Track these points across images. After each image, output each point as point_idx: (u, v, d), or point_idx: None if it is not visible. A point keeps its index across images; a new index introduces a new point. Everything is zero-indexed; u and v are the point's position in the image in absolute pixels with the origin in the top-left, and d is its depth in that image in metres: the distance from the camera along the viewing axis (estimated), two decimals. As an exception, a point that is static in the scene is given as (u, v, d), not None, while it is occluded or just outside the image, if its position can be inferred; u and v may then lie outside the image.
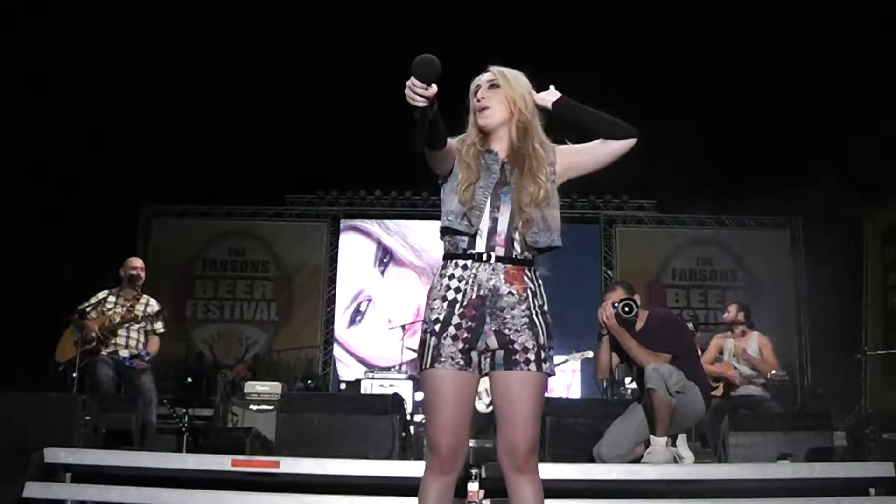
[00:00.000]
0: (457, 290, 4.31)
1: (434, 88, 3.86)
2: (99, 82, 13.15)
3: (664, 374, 7.35)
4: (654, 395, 7.32)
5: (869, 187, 14.10)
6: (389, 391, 11.58)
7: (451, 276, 4.34)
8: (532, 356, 4.28)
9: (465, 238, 4.38)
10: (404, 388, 12.65)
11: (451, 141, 4.44)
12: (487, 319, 4.28)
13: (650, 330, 7.85)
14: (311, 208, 18.31)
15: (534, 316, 4.35)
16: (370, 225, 18.17)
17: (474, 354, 4.30)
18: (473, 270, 4.32)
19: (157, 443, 9.74)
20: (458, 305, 4.28)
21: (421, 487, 4.28)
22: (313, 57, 13.44)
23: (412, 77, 3.83)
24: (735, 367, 10.45)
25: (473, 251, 4.35)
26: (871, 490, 6.52)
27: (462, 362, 4.25)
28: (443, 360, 4.23)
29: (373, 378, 13.46)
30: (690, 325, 9.59)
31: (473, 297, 4.28)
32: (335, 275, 18.03)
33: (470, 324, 4.26)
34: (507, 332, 4.28)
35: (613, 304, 7.70)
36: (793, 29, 12.54)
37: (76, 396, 8.10)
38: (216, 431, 11.52)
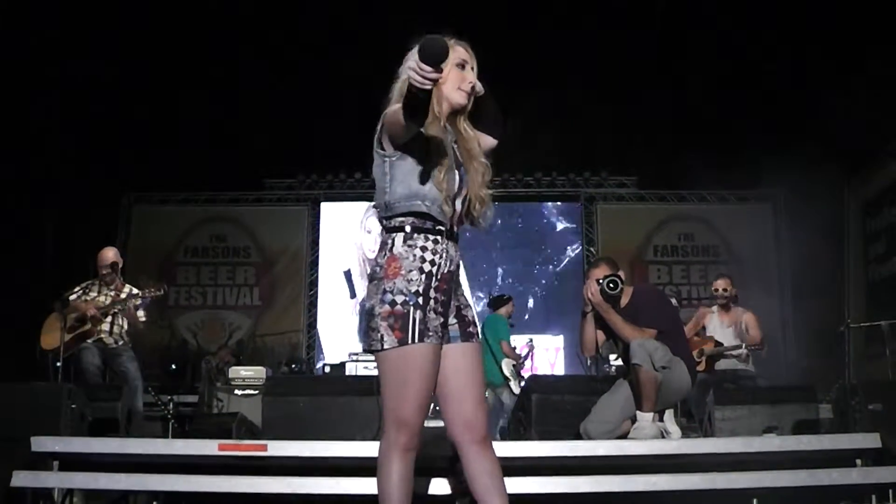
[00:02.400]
0: (432, 262, 4.20)
1: (443, 71, 3.78)
2: (77, 72, 13.09)
3: (650, 350, 7.35)
4: (639, 371, 7.33)
5: (849, 160, 14.15)
6: (374, 373, 11.59)
7: (424, 248, 4.21)
8: (477, 328, 4.38)
9: (434, 220, 4.26)
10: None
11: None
12: (452, 295, 4.30)
13: (635, 306, 7.85)
14: (292, 192, 18.31)
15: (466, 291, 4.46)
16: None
17: (446, 331, 4.26)
18: (444, 245, 4.26)
19: (143, 430, 9.73)
20: (433, 279, 4.19)
21: (384, 466, 4.19)
22: (291, 41, 13.42)
23: (420, 62, 3.68)
24: (715, 340, 10.46)
25: (442, 229, 4.26)
26: (858, 461, 6.55)
27: (441, 335, 4.19)
28: (430, 334, 4.10)
29: (357, 360, 13.45)
30: (674, 301, 9.61)
31: (445, 271, 4.25)
32: (317, 258, 18.05)
33: (443, 298, 4.21)
34: (460, 307, 4.35)
35: (598, 281, 7.70)
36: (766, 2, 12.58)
37: (62, 385, 8.09)
38: (202, 417, 11.52)
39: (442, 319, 4.19)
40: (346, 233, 18.15)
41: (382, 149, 4.45)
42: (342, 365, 13.76)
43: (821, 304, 14.53)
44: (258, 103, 14.37)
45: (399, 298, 4.11)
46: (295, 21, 13.15)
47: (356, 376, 12.36)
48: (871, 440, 6.44)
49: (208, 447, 6.50)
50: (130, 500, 7.03)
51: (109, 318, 10.00)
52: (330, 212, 18.33)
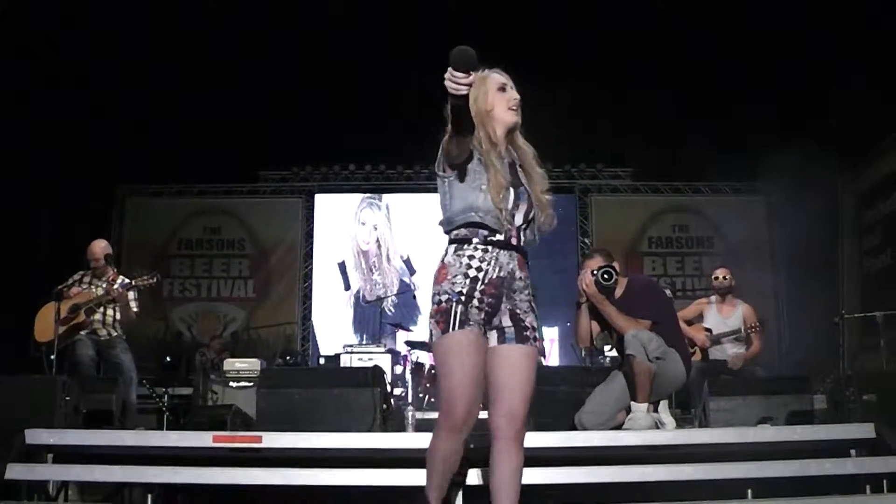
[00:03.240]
0: (478, 269, 4.69)
1: (473, 76, 4.19)
2: (72, 64, 13.08)
3: (643, 341, 7.36)
4: (633, 362, 7.34)
5: (844, 153, 14.15)
6: (369, 364, 11.59)
7: (472, 257, 4.70)
8: (536, 334, 4.80)
9: (489, 230, 4.73)
10: (384, 362, 12.66)
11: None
12: (504, 299, 4.74)
13: (630, 297, 7.86)
14: (286, 184, 18.29)
15: (532, 302, 4.84)
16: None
17: (491, 326, 4.73)
18: (494, 254, 4.72)
19: (137, 422, 9.73)
20: (479, 283, 4.67)
21: (433, 442, 4.67)
22: (285, 34, 13.40)
23: (451, 69, 4.13)
24: (708, 330, 10.47)
25: (494, 238, 4.73)
26: (853, 451, 6.56)
27: (484, 328, 4.68)
28: (471, 324, 4.60)
29: (352, 352, 13.45)
30: (668, 293, 9.60)
31: (494, 276, 4.70)
32: (311, 250, 18.04)
33: (490, 300, 4.68)
34: (518, 311, 4.76)
35: (593, 272, 7.70)
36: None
37: (56, 377, 8.09)
38: (196, 409, 11.51)
39: (485, 316, 4.67)
40: (341, 225, 18.16)
41: (443, 171, 4.82)
42: (337, 357, 13.76)
43: (815, 296, 14.54)
44: (252, 96, 14.35)
45: (444, 297, 4.65)
46: (291, 15, 13.13)
47: (351, 368, 12.33)
48: (865, 430, 6.46)
49: (203, 439, 6.51)
50: (125, 493, 7.03)
51: (102, 309, 9.99)
52: (324, 204, 18.30)
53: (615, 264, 7.86)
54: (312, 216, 18.22)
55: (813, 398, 8.42)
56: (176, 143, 14.87)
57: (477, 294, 4.65)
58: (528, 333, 4.74)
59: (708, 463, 6.30)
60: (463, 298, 4.63)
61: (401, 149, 16.62)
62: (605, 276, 7.66)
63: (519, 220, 4.81)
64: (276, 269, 18.04)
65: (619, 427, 7.43)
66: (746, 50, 13.04)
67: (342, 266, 17.89)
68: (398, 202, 18.08)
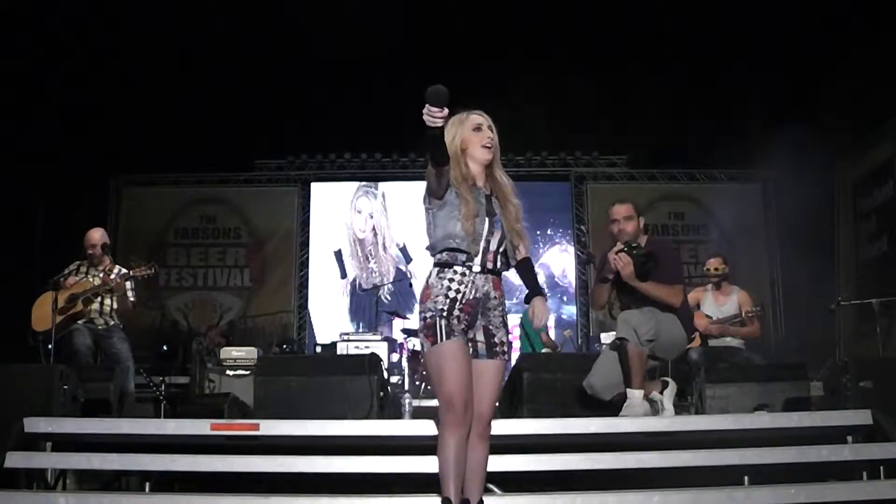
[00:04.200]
0: (457, 290, 5.24)
1: (447, 110, 4.71)
2: (67, 54, 13.07)
3: (634, 324, 7.33)
4: (626, 346, 7.32)
5: (840, 140, 14.16)
6: (365, 352, 11.59)
7: (451, 280, 5.26)
8: (505, 349, 5.39)
9: (465, 254, 5.26)
10: (380, 350, 12.67)
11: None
12: (479, 317, 5.30)
13: (654, 259, 7.82)
14: (282, 173, 18.30)
15: (504, 318, 5.45)
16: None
17: (469, 338, 5.28)
18: (471, 277, 5.28)
19: (134, 411, 9.73)
20: (457, 303, 5.21)
21: (442, 448, 5.05)
22: (282, 23, 13.39)
23: (427, 105, 4.66)
24: (708, 317, 10.47)
25: (471, 264, 5.28)
26: (849, 438, 6.57)
27: (465, 337, 5.22)
28: (455, 335, 5.14)
29: (348, 340, 13.47)
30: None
31: (471, 297, 5.26)
32: (308, 239, 18.04)
33: (467, 317, 5.23)
34: (490, 328, 5.34)
35: (632, 252, 7.59)
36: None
37: (54, 366, 8.07)
38: (193, 398, 11.52)
39: (464, 327, 5.21)
40: (337, 213, 18.17)
41: (428, 203, 5.36)
42: (333, 345, 13.78)
43: (810, 283, 14.55)
44: (249, 84, 14.34)
45: (429, 314, 5.21)
46: (289, 4, 13.12)
47: (347, 356, 12.34)
48: (862, 417, 6.47)
49: (201, 427, 6.51)
50: (123, 481, 7.04)
51: (99, 299, 9.99)
52: (320, 192, 18.31)
53: (641, 240, 7.81)
54: (308, 204, 18.24)
55: (809, 385, 8.43)
56: (172, 132, 14.85)
57: (456, 312, 5.19)
58: (496, 349, 5.32)
59: (704, 450, 6.31)
60: (445, 314, 5.16)
61: (396, 137, 16.64)
62: (643, 259, 7.60)
63: (493, 245, 5.33)
64: (273, 257, 18.06)
65: (624, 397, 7.40)
66: (743, 38, 13.05)
67: (338, 254, 17.90)
68: (394, 190, 18.07)
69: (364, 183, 18.23)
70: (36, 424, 6.47)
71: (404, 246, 17.77)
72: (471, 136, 5.40)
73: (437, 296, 5.22)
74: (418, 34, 13.36)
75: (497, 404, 5.43)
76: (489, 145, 5.39)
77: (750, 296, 10.68)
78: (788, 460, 6.19)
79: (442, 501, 5.00)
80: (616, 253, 7.55)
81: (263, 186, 18.32)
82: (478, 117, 5.46)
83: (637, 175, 17.83)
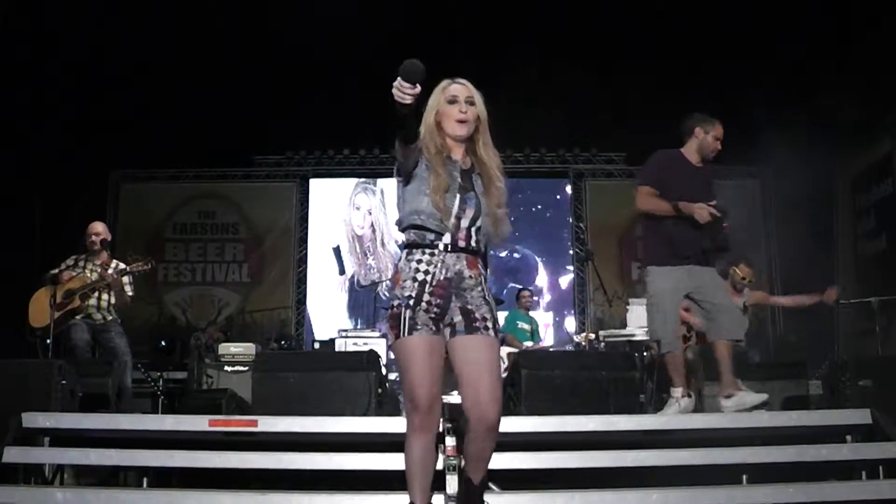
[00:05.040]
0: (426, 272, 4.91)
1: (419, 88, 4.46)
2: (67, 49, 13.06)
3: (656, 324, 7.44)
4: (661, 352, 7.40)
5: (838, 136, 14.15)
6: (363, 349, 11.60)
7: (420, 261, 4.94)
8: (490, 324, 4.96)
9: (433, 233, 4.94)
10: (378, 346, 12.66)
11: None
12: (453, 298, 4.94)
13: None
14: (280, 169, 18.30)
15: (486, 296, 5.04)
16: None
17: (442, 326, 4.94)
18: (441, 257, 4.94)
19: (132, 406, 9.73)
20: (427, 285, 4.90)
21: (407, 448, 4.87)
22: (281, 19, 13.38)
23: (399, 79, 4.42)
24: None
25: (440, 242, 4.94)
26: (848, 437, 6.58)
27: (433, 329, 4.88)
28: (419, 328, 4.83)
29: (346, 337, 13.46)
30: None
31: (441, 278, 4.92)
32: (306, 234, 18.05)
33: (438, 300, 4.90)
34: (469, 306, 4.95)
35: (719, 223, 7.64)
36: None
37: (52, 361, 8.07)
38: (191, 393, 11.54)
39: (434, 316, 4.88)
40: (335, 209, 18.15)
41: (399, 176, 5.14)
42: (331, 341, 13.78)
43: (810, 280, 14.55)
44: (248, 80, 14.34)
45: (395, 302, 4.91)
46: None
47: (346, 352, 12.34)
48: (861, 416, 6.48)
49: (199, 423, 6.53)
50: (121, 476, 7.04)
51: (97, 294, 9.98)
52: (319, 188, 18.31)
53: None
54: (307, 200, 18.24)
55: (808, 383, 8.45)
56: (171, 127, 14.84)
57: (426, 297, 4.87)
58: (477, 324, 4.91)
59: (703, 448, 6.31)
60: (411, 303, 4.85)
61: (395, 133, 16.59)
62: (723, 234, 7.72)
63: (465, 222, 4.98)
64: (271, 253, 18.07)
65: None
66: (743, 34, 13.03)
67: (337, 250, 17.88)
68: (393, 186, 17.84)
69: (363, 179, 18.22)
70: (34, 419, 6.48)
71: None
72: (445, 108, 5.06)
73: (405, 280, 4.91)
74: (417, 30, 13.34)
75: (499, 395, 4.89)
76: (464, 119, 5.02)
77: (763, 294, 10.75)
78: (787, 459, 6.20)
79: None
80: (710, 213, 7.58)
81: (262, 182, 18.31)
82: (456, 88, 5.10)
83: (636, 172, 17.79)
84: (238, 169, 18.14)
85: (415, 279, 4.89)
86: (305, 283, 17.97)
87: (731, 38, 13.10)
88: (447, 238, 4.94)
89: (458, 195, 4.97)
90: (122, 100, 14.19)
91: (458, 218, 4.95)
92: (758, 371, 8.61)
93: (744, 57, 13.28)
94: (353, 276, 17.88)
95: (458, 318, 4.92)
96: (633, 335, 11.36)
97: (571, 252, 17.57)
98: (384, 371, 10.55)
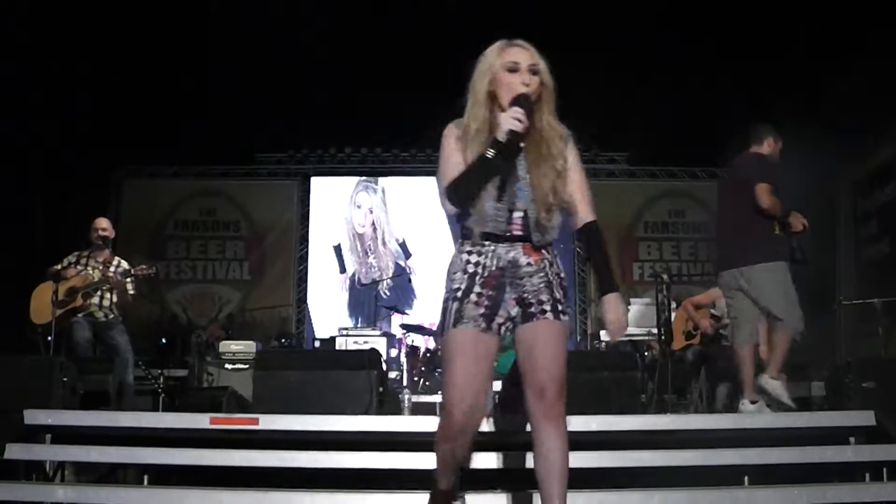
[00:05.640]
0: (476, 263, 4.49)
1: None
2: (67, 47, 13.06)
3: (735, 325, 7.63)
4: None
5: (841, 138, 14.14)
6: (364, 347, 11.60)
7: (469, 252, 4.51)
8: (548, 307, 4.46)
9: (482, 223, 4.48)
10: (379, 345, 12.66)
11: (454, 131, 4.59)
12: (507, 289, 4.48)
13: None
14: (282, 167, 18.30)
15: (551, 280, 4.53)
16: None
17: (495, 323, 4.48)
18: (492, 247, 4.49)
19: (133, 404, 9.75)
20: (478, 277, 4.47)
21: (436, 445, 4.59)
22: (283, 17, 13.37)
23: (515, 108, 4.27)
24: (715, 317, 10.48)
25: (490, 232, 4.47)
26: (852, 439, 6.56)
27: (483, 325, 4.43)
28: (465, 321, 4.41)
29: (347, 335, 13.47)
30: (665, 277, 9.60)
31: (493, 269, 4.47)
32: (307, 233, 18.04)
33: (491, 293, 4.46)
34: (525, 295, 4.48)
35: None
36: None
37: (54, 359, 8.08)
38: (192, 391, 11.54)
39: (484, 310, 4.44)
40: (336, 207, 18.15)
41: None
42: (332, 339, 13.80)
43: (811, 283, 14.53)
44: (250, 78, 14.33)
45: (445, 296, 4.53)
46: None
47: (347, 351, 12.35)
48: (865, 418, 6.46)
49: (200, 421, 6.51)
50: (121, 473, 7.03)
51: (99, 293, 9.98)
52: (320, 186, 18.31)
53: None
54: (308, 199, 18.24)
55: (811, 385, 8.44)
56: (173, 124, 14.85)
57: (476, 289, 4.46)
58: (532, 310, 4.45)
59: (705, 449, 6.30)
60: (459, 294, 4.46)
61: (397, 132, 16.63)
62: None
63: (518, 214, 4.48)
64: (272, 251, 18.07)
65: None
66: (746, 37, 13.03)
67: (338, 249, 17.90)
68: (394, 185, 18.08)
69: (364, 178, 18.22)
70: (35, 416, 6.47)
71: (404, 241, 17.77)
72: (503, 75, 4.45)
73: (455, 273, 4.51)
74: (418, 29, 13.34)
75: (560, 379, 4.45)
76: (521, 89, 4.41)
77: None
78: (790, 461, 6.18)
79: (433, 494, 4.80)
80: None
81: (263, 180, 18.32)
82: (517, 52, 4.51)
83: (637, 172, 17.83)
84: (240, 167, 18.14)
85: (465, 271, 4.49)
86: (306, 281, 17.97)
87: (733, 40, 13.09)
88: (500, 228, 4.47)
89: (510, 184, 4.45)
90: (124, 97, 14.18)
91: (509, 210, 4.46)
92: (760, 372, 8.59)
93: (747, 58, 13.27)
94: (353, 275, 17.88)
95: (514, 311, 4.49)
96: (634, 335, 11.39)
97: (573, 252, 17.59)
98: (385, 369, 10.57)
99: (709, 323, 10.38)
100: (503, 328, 4.51)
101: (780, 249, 7.81)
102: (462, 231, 4.59)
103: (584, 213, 4.67)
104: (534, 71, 4.49)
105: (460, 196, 4.39)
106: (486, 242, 4.49)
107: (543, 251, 4.56)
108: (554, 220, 4.54)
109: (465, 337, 4.41)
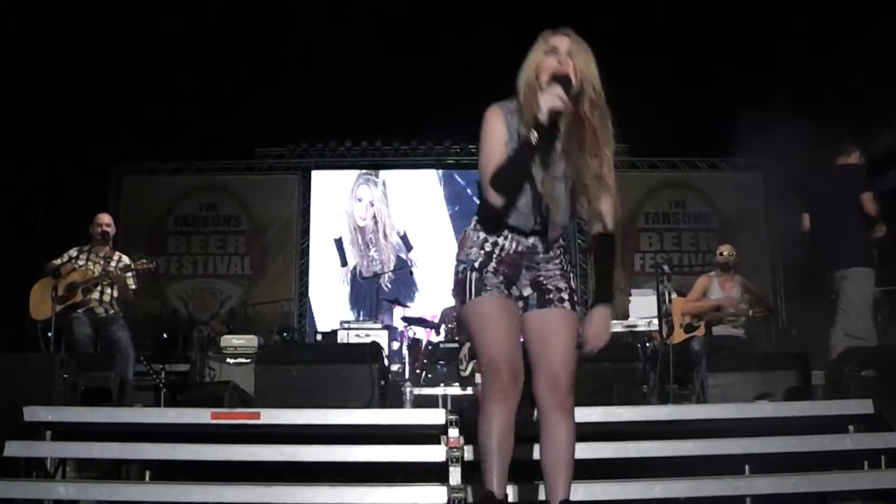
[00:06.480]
0: (494, 244, 4.52)
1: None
2: (68, 42, 13.06)
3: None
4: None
5: (842, 127, 14.13)
6: (366, 341, 11.61)
7: (489, 232, 4.54)
8: (566, 296, 4.57)
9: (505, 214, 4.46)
10: (380, 338, 12.67)
11: (498, 112, 4.51)
12: (524, 271, 4.55)
13: None
14: (282, 161, 18.29)
15: (565, 267, 4.66)
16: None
17: (512, 293, 4.54)
18: (511, 234, 4.52)
19: (135, 399, 9.74)
20: (495, 256, 4.51)
21: (484, 421, 4.39)
22: (283, 10, 13.37)
23: (555, 85, 4.26)
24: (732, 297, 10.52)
25: (511, 223, 4.50)
26: (851, 427, 6.56)
27: (506, 291, 4.50)
28: (489, 288, 4.44)
29: (349, 328, 13.47)
30: (666, 268, 9.59)
31: (512, 251, 4.52)
32: (308, 227, 18.04)
33: (507, 271, 4.51)
34: (541, 279, 4.57)
35: None
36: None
37: (54, 355, 8.09)
38: (194, 386, 11.52)
39: (503, 279, 4.48)
40: (337, 201, 18.15)
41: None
42: (334, 333, 13.79)
43: (811, 272, 14.53)
44: (249, 72, 14.33)
45: (460, 267, 4.54)
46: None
47: (349, 344, 12.35)
48: (863, 406, 6.46)
49: (201, 416, 6.50)
50: (123, 469, 7.04)
51: (100, 288, 9.98)
52: (320, 180, 18.30)
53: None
54: (309, 192, 18.24)
55: (811, 374, 8.44)
56: (173, 119, 14.86)
57: (492, 265, 4.49)
58: (551, 296, 4.53)
59: (706, 439, 6.30)
60: (477, 265, 4.47)
61: (397, 125, 16.64)
62: None
63: (542, 212, 4.52)
64: (273, 245, 18.07)
65: None
66: (745, 27, 13.02)
67: (339, 242, 17.90)
68: (395, 178, 18.07)
69: (365, 171, 18.21)
70: (36, 413, 6.46)
71: (405, 234, 17.77)
72: (542, 59, 4.45)
73: (472, 247, 4.52)
74: (419, 24, 13.34)
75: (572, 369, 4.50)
76: (562, 71, 4.40)
77: (753, 285, 10.74)
78: (790, 449, 6.18)
79: (485, 497, 4.41)
80: None
81: (264, 174, 18.31)
82: (557, 38, 4.51)
83: (638, 163, 17.80)
84: (240, 161, 18.15)
85: (482, 248, 4.51)
86: (307, 275, 17.97)
87: (733, 30, 13.09)
88: (521, 222, 4.50)
89: (539, 171, 4.45)
90: (124, 92, 14.18)
91: (541, 213, 4.51)
92: (760, 361, 8.59)
93: (746, 48, 13.26)
94: (355, 268, 17.88)
95: (528, 292, 4.55)
96: (635, 326, 11.40)
97: (574, 243, 17.58)
98: (387, 363, 10.57)
99: (732, 300, 10.43)
100: (520, 304, 4.56)
101: (873, 257, 8.38)
102: (485, 213, 4.54)
103: (608, 223, 4.83)
104: (572, 54, 4.49)
105: (505, 187, 4.34)
106: (507, 231, 4.51)
107: (560, 239, 4.67)
108: (572, 220, 4.71)
109: (492, 302, 4.44)
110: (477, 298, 4.43)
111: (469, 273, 4.48)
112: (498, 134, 4.44)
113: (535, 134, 4.21)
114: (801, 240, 9.81)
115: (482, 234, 4.53)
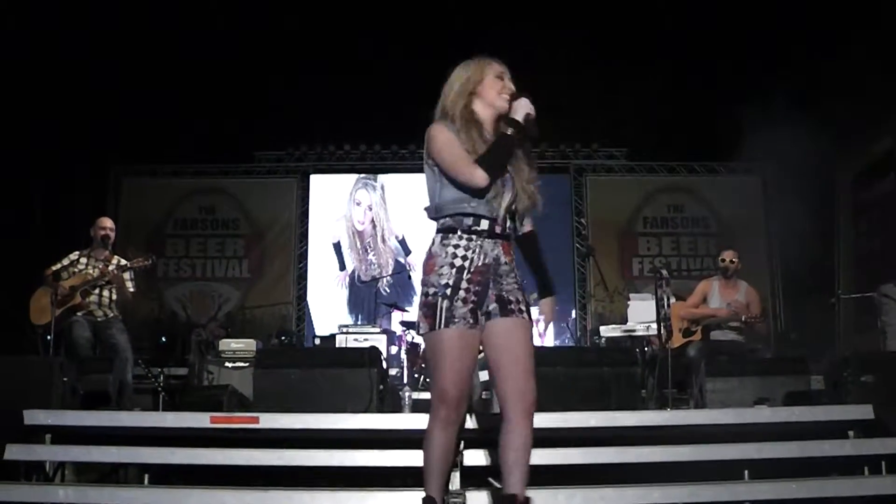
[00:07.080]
0: (463, 258, 4.83)
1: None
2: (67, 44, 13.05)
3: None
4: None
5: (840, 131, 14.14)
6: (364, 345, 11.61)
7: (457, 246, 4.84)
8: (523, 307, 4.92)
9: (472, 217, 4.86)
10: (379, 342, 12.66)
11: (443, 125, 4.96)
12: (491, 284, 4.88)
13: None
14: (281, 164, 18.28)
15: (518, 283, 4.97)
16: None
17: (479, 316, 4.85)
18: (479, 242, 4.86)
19: (133, 403, 9.73)
20: (465, 272, 4.82)
21: (428, 439, 4.80)
22: (281, 13, 13.37)
23: (526, 100, 4.97)
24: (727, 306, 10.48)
25: (478, 228, 4.87)
26: (850, 432, 6.57)
27: (471, 321, 4.79)
28: (456, 320, 4.74)
29: (347, 333, 13.46)
30: (664, 273, 9.58)
31: (480, 264, 4.85)
32: (306, 230, 18.03)
33: (477, 288, 4.82)
34: (503, 293, 4.89)
35: None
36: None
37: (54, 359, 8.09)
38: (192, 390, 11.51)
39: (471, 307, 4.79)
40: (336, 205, 18.12)
41: (432, 160, 4.92)
42: (332, 337, 13.77)
43: (810, 276, 14.55)
44: (248, 76, 14.33)
45: (431, 290, 4.81)
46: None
47: (348, 348, 12.36)
48: (863, 411, 6.47)
49: (200, 420, 6.52)
50: (122, 473, 7.04)
51: (98, 291, 9.99)
52: (319, 184, 18.28)
53: None
54: (307, 196, 18.21)
55: (810, 379, 8.45)
56: (171, 123, 14.86)
57: (464, 284, 4.80)
58: (511, 307, 4.87)
59: (704, 444, 6.30)
60: (449, 292, 4.77)
61: (396, 129, 16.65)
62: None
63: (502, 207, 4.93)
64: (271, 249, 18.05)
65: None
66: (743, 30, 13.02)
67: (337, 246, 17.90)
68: (393, 182, 18.06)
69: (363, 175, 18.21)
70: (35, 416, 6.48)
71: (403, 238, 17.77)
72: (492, 81, 5.05)
73: (442, 266, 4.80)
74: (417, 26, 13.35)
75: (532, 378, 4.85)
76: (507, 97, 5.02)
77: (757, 292, 10.72)
78: (790, 455, 6.20)
79: (424, 500, 4.82)
80: None
81: (262, 178, 18.30)
82: (501, 68, 5.14)
83: (636, 167, 17.82)
84: (239, 165, 18.12)
85: (452, 265, 4.81)
86: (306, 278, 17.95)
87: (731, 34, 13.09)
88: (485, 224, 4.88)
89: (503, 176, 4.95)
90: (123, 95, 14.17)
91: (498, 203, 4.92)
92: (759, 366, 8.59)
93: (744, 52, 13.27)
94: (353, 272, 17.87)
95: (492, 307, 4.86)
96: (633, 330, 11.40)
97: (572, 248, 17.58)
98: (385, 367, 10.56)
99: (724, 311, 10.41)
100: (483, 318, 4.85)
101: None
102: (447, 223, 4.91)
103: (528, 222, 5.28)
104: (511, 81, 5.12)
105: (495, 167, 4.81)
106: (474, 237, 4.87)
107: (511, 250, 5.03)
108: (536, 206, 5.10)
109: (456, 336, 4.74)
110: (444, 330, 4.74)
111: (440, 300, 4.77)
112: (453, 139, 4.87)
113: (511, 128, 4.88)
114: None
115: (451, 249, 4.85)
